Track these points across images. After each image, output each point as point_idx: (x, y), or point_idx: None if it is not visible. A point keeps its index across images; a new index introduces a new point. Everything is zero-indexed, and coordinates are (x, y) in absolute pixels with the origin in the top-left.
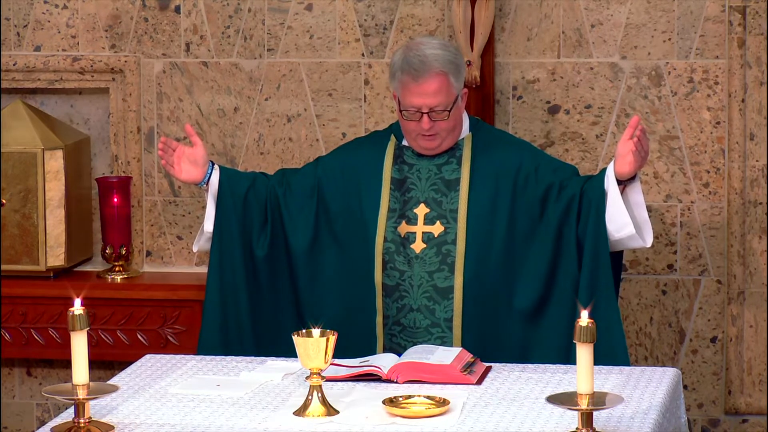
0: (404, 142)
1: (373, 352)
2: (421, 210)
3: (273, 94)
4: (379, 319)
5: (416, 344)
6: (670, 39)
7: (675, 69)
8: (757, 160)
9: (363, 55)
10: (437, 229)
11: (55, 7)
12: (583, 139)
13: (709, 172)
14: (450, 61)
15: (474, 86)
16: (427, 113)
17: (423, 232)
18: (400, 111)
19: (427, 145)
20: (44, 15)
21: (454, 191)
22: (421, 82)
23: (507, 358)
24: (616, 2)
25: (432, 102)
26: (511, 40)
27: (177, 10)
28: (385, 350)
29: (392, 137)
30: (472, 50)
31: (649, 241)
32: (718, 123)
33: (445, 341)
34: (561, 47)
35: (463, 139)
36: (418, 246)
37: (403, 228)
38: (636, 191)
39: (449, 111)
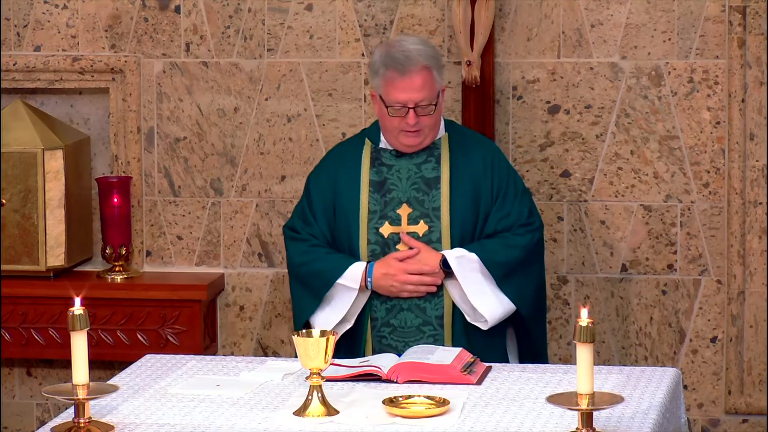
0: (381, 145)
1: (361, 355)
2: (404, 210)
3: (273, 94)
4: (368, 323)
5: (408, 345)
6: (670, 39)
7: (675, 69)
8: (757, 160)
9: (363, 55)
10: (421, 228)
11: (55, 7)
12: (583, 139)
13: (709, 172)
14: (432, 56)
15: (474, 86)
16: (413, 108)
17: (408, 233)
18: (386, 107)
19: (410, 142)
20: (44, 15)
21: (435, 189)
22: (407, 77)
23: (497, 355)
24: (616, 2)
25: (417, 97)
26: (511, 40)
27: (177, 10)
28: (374, 353)
29: (367, 141)
30: (472, 50)
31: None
32: (718, 123)
33: (437, 339)
34: (561, 47)
35: (440, 138)
36: (402, 246)
37: (386, 229)
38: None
39: (434, 105)
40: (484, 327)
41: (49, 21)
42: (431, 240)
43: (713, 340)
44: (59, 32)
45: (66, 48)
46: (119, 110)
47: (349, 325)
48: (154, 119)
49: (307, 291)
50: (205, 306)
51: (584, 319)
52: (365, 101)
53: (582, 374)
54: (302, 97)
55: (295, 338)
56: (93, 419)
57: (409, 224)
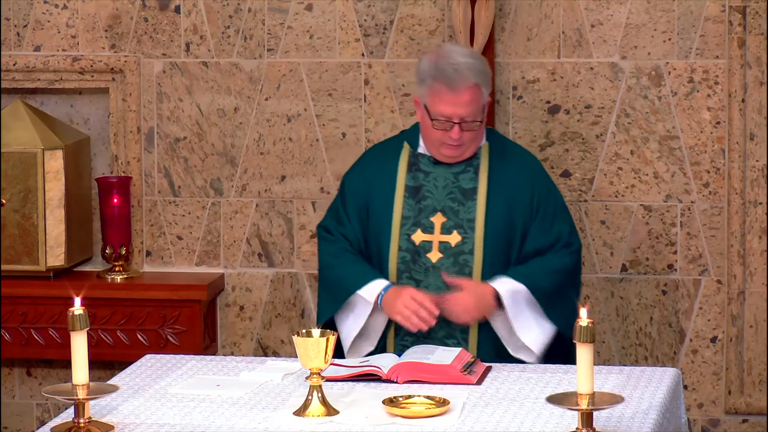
0: (420, 150)
1: None
2: (438, 219)
3: (273, 94)
4: (391, 330)
5: None
6: (670, 39)
7: (675, 69)
8: (757, 160)
9: (363, 55)
10: (454, 238)
11: (55, 7)
12: (583, 139)
13: (709, 172)
14: (482, 71)
15: None
16: (459, 123)
17: (440, 242)
18: (430, 119)
19: (451, 154)
20: (44, 15)
21: (471, 200)
22: (455, 92)
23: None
24: (616, 2)
25: (464, 112)
26: (511, 40)
27: (177, 10)
28: None
29: (405, 144)
30: None
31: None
32: (718, 123)
33: None
34: (561, 47)
35: (480, 148)
36: (434, 255)
37: (419, 236)
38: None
39: (480, 121)
40: (530, 359)
41: (49, 21)
42: (463, 251)
43: (713, 340)
44: (59, 32)
45: (66, 48)
46: (119, 110)
47: (371, 347)
48: (154, 119)
49: (328, 294)
50: (205, 306)
51: (584, 319)
52: (365, 101)
53: (582, 374)
54: (302, 97)
55: (295, 338)
56: (93, 419)
57: (441, 233)
